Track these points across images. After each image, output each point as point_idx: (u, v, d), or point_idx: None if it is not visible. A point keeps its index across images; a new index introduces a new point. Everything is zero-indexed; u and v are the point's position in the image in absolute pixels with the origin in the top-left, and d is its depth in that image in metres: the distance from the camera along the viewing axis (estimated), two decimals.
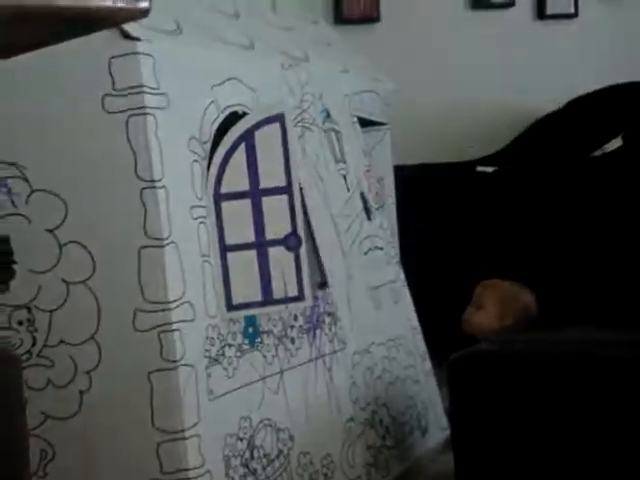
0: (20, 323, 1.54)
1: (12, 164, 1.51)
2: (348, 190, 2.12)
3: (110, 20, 0.81)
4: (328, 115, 2.08)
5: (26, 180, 1.52)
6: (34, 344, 1.54)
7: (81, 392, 1.53)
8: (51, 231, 1.52)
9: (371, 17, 3.46)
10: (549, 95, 3.58)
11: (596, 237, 3.04)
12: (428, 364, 2.32)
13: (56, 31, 0.83)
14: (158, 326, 1.51)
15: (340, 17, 3.42)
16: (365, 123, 2.35)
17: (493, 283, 2.35)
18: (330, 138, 2.08)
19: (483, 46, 3.64)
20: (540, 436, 1.74)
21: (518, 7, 3.67)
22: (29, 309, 1.54)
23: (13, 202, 1.52)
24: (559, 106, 3.54)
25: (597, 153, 3.31)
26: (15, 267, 1.53)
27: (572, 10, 3.73)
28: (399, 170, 2.67)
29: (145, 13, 0.81)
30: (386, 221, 2.30)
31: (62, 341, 1.54)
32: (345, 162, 2.13)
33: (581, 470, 1.71)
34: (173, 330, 1.51)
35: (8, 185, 1.51)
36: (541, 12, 3.70)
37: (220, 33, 1.79)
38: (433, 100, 3.56)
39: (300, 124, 1.94)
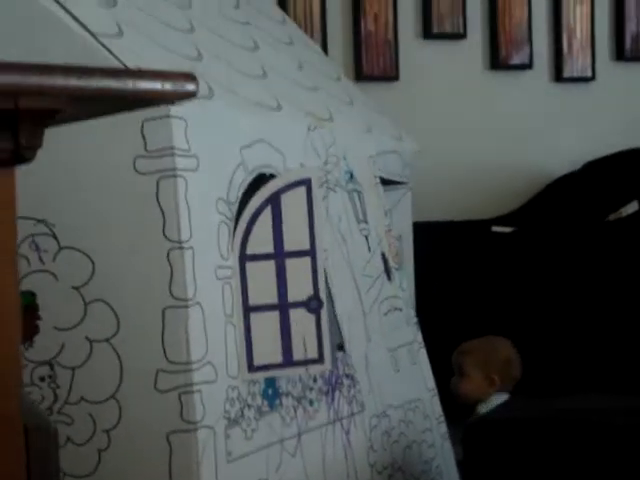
0: (42, 379, 1.54)
1: (41, 221, 1.53)
2: (369, 250, 2.13)
3: (158, 101, 0.83)
4: (351, 176, 2.10)
5: (55, 237, 1.53)
6: (55, 401, 1.54)
7: (99, 451, 1.53)
8: (77, 288, 1.53)
9: (390, 75, 3.50)
10: (566, 157, 3.60)
11: (610, 304, 3.03)
12: (444, 427, 2.30)
13: (109, 108, 0.85)
14: (179, 387, 1.51)
15: (360, 74, 3.45)
16: (386, 181, 2.37)
17: (468, 347, 2.37)
18: (353, 199, 2.10)
19: (500, 106, 3.66)
20: None
21: (535, 69, 3.71)
22: (51, 365, 1.54)
23: (41, 259, 1.53)
24: (575, 168, 3.56)
25: (612, 217, 3.32)
26: (40, 323, 1.53)
27: (589, 73, 3.76)
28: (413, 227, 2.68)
29: (192, 95, 0.82)
30: (405, 281, 2.30)
31: (83, 399, 1.53)
32: (367, 222, 2.14)
33: None
34: (194, 391, 1.51)
35: (36, 242, 1.52)
36: (558, 74, 3.73)
37: (249, 95, 1.81)
38: (449, 158, 3.58)
39: (324, 185, 1.95)
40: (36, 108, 0.72)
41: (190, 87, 0.80)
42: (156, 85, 0.78)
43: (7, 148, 0.73)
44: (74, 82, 0.72)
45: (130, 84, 0.76)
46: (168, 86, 0.78)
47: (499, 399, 2.28)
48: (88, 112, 0.87)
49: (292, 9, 3.28)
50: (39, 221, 1.53)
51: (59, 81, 0.71)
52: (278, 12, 2.64)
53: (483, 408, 2.28)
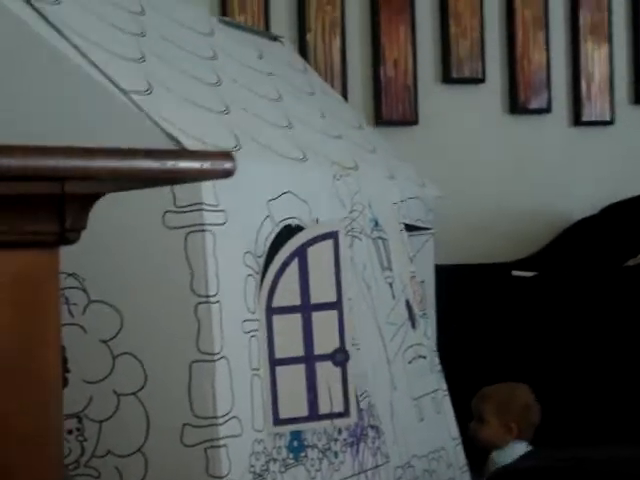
0: (70, 432, 1.54)
1: (72, 275, 1.54)
2: (394, 298, 2.13)
3: (197, 179, 0.84)
4: (377, 224, 2.11)
5: (84, 291, 1.54)
6: (82, 454, 1.54)
7: None
8: (105, 342, 1.54)
9: (409, 120, 3.52)
10: (585, 201, 3.60)
11: (630, 350, 3.01)
12: (467, 476, 2.28)
13: (148, 184, 0.86)
14: (205, 441, 1.51)
15: (380, 119, 3.47)
16: (410, 227, 2.38)
17: (487, 393, 2.38)
18: (378, 246, 2.10)
19: (519, 150, 3.68)
20: None
21: (554, 113, 3.72)
22: (79, 418, 1.54)
23: (70, 312, 1.54)
24: (594, 212, 3.55)
25: (632, 262, 3.30)
26: (68, 376, 1.54)
27: (608, 117, 3.77)
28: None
29: (230, 173, 0.83)
30: (429, 329, 2.30)
31: (110, 452, 1.54)
32: (391, 270, 2.14)
33: None
34: (220, 446, 1.51)
35: (66, 295, 1.53)
36: (577, 118, 3.74)
37: (276, 146, 1.82)
38: (468, 201, 3.58)
39: (349, 233, 1.96)
40: (82, 193, 0.73)
41: (228, 165, 0.81)
42: (195, 165, 0.79)
43: (53, 231, 0.75)
44: (117, 164, 0.73)
45: (170, 164, 0.77)
46: (207, 165, 0.80)
47: (516, 447, 2.29)
48: (127, 187, 0.88)
49: (313, 56, 3.31)
50: (69, 275, 1.54)
51: (103, 164, 0.73)
52: (299, 60, 2.67)
53: (499, 456, 2.29)
